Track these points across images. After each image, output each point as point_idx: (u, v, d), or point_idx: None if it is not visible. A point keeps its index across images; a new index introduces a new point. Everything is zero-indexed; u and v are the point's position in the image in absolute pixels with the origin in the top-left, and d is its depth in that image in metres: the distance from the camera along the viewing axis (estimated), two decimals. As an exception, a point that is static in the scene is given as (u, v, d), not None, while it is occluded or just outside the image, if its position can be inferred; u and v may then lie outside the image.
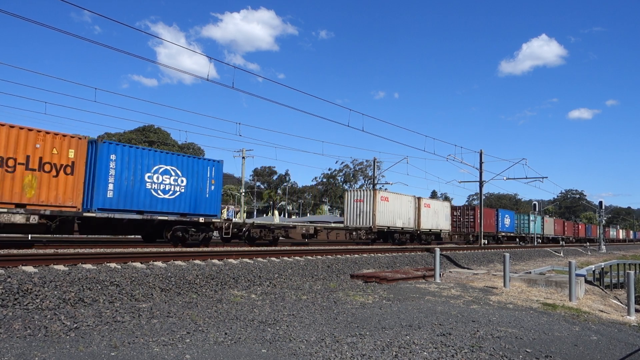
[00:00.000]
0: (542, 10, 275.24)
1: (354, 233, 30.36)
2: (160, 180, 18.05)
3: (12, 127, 13.94)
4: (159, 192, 17.91)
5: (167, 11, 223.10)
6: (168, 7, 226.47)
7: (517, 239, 52.14)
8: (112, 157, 16.58)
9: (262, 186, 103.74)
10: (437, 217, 36.66)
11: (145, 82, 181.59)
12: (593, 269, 23.23)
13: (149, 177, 17.65)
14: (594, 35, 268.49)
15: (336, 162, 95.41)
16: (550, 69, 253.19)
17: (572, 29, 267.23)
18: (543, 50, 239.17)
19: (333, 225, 37.81)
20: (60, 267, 10.53)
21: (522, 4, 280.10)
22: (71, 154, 15.20)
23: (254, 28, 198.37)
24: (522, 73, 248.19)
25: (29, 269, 9.93)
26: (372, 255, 20.59)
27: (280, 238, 24.52)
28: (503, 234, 46.64)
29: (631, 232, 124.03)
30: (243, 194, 60.01)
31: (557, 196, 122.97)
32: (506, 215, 48.55)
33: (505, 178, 40.56)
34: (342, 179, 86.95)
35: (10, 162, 13.81)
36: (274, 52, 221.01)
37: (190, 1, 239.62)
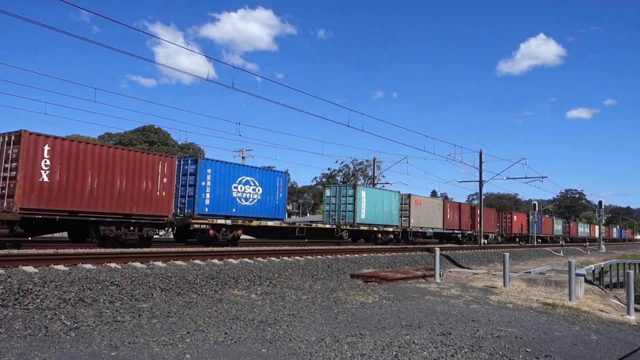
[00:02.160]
0: (539, 10, 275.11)
1: None
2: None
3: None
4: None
5: (165, 11, 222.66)
6: (166, 7, 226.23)
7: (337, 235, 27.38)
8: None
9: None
10: None
11: (143, 82, 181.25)
12: (593, 268, 23.25)
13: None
14: (592, 35, 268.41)
15: (336, 162, 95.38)
16: (548, 68, 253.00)
17: (570, 29, 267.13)
18: (541, 50, 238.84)
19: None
20: (61, 267, 10.53)
21: (519, 3, 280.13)
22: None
23: (252, 27, 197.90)
24: (520, 73, 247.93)
25: (29, 269, 9.93)
26: (372, 255, 20.61)
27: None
28: (227, 221, 20.35)
29: (614, 229, 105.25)
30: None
31: (557, 196, 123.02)
32: (242, 179, 21.28)
33: (505, 178, 40.67)
34: (342, 179, 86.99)
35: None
36: (273, 52, 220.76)
37: (188, 1, 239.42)
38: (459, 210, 40.21)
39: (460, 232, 39.92)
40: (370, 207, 29.74)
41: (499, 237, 48.02)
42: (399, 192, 33.03)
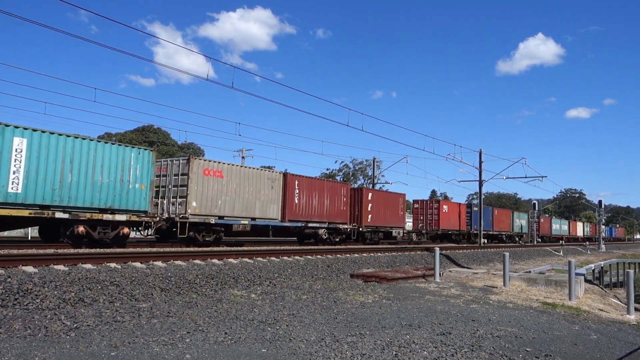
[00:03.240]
0: (538, 9, 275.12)
1: None
2: None
3: None
4: None
5: (164, 11, 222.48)
6: (164, 7, 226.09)
7: None
8: None
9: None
10: None
11: (142, 82, 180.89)
12: (593, 268, 23.26)
13: None
14: (591, 35, 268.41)
15: (335, 161, 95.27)
16: (547, 68, 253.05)
17: (569, 28, 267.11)
18: (540, 49, 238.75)
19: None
20: (60, 267, 10.53)
21: (517, 3, 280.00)
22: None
23: (250, 27, 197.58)
24: (519, 72, 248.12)
25: (29, 269, 9.93)
26: (372, 254, 20.61)
27: None
28: None
29: (604, 228, 77.47)
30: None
31: (557, 195, 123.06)
32: None
33: (504, 177, 40.66)
34: (342, 179, 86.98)
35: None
36: (272, 52, 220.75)
37: (187, 0, 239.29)
38: (326, 193, 26.07)
39: (323, 225, 25.67)
40: (39, 170, 15.11)
41: (414, 235, 37.71)
42: (149, 148, 18.43)
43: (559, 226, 65.41)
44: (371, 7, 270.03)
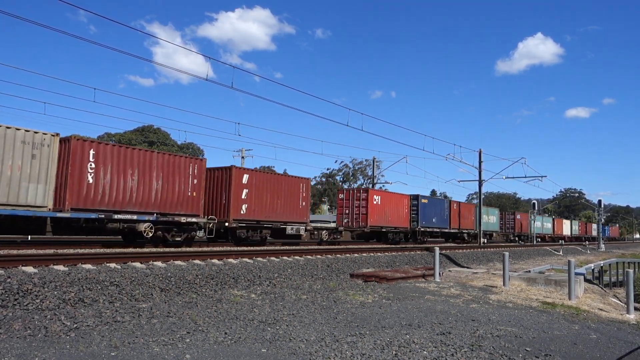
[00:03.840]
0: (537, 9, 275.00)
1: None
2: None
3: None
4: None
5: (163, 11, 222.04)
6: (163, 7, 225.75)
7: None
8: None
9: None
10: None
11: (141, 82, 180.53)
12: (592, 267, 23.28)
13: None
14: (590, 34, 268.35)
15: (335, 161, 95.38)
16: (546, 67, 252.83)
17: (568, 28, 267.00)
18: (539, 49, 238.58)
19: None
20: (60, 267, 10.53)
21: (517, 3, 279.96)
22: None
23: (250, 27, 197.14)
24: (518, 72, 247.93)
25: (29, 269, 9.93)
26: (372, 254, 20.61)
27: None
28: None
29: (594, 226, 77.08)
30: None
31: (557, 195, 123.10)
32: None
33: (504, 177, 40.69)
34: (342, 179, 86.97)
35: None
36: (271, 52, 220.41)
37: (186, 0, 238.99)
38: (157, 171, 17.82)
39: (148, 217, 17.46)
40: None
41: (324, 233, 27.69)
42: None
43: (541, 224, 57.40)
44: (371, 7, 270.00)
